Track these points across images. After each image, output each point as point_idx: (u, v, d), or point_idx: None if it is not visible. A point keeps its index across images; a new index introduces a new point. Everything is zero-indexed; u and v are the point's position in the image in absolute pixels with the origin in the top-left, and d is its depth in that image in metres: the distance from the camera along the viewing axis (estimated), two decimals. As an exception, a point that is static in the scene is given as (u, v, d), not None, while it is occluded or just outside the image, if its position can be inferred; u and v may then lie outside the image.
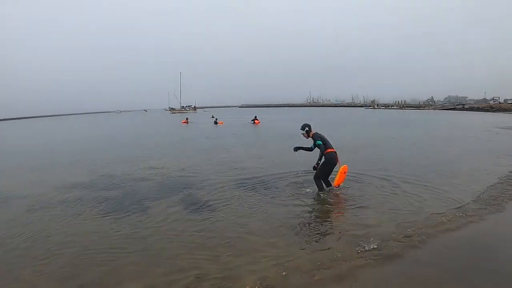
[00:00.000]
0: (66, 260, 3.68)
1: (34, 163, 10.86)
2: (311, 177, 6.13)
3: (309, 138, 5.95)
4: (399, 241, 3.79)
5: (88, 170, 8.87)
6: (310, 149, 6.08)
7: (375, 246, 3.65)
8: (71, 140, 20.08)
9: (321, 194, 5.67)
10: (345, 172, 5.89)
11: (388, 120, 30.09)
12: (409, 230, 4.07)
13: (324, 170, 5.78)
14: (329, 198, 5.56)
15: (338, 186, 5.83)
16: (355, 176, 6.86)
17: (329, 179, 5.97)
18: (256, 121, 27.76)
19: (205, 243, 3.94)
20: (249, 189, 6.25)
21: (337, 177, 5.78)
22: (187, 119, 35.23)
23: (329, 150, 5.77)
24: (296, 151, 6.12)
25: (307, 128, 5.95)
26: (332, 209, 5.11)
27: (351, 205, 5.19)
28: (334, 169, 5.84)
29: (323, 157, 5.74)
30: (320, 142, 5.72)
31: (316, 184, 5.81)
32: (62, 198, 6.19)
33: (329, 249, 3.67)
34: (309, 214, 4.88)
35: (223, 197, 5.77)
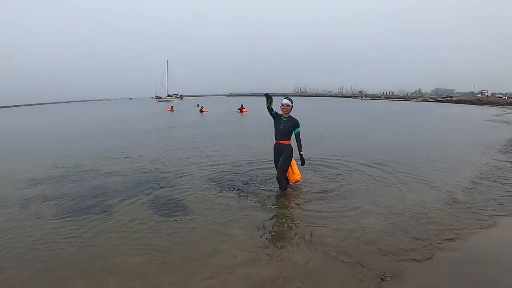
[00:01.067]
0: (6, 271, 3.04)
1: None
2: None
3: (287, 116, 4.94)
4: (404, 258, 3.12)
5: (56, 162, 7.97)
6: (269, 110, 4.98)
7: (380, 270, 2.93)
8: (44, 129, 18.89)
9: (289, 190, 5.07)
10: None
11: (378, 111, 29.67)
12: (414, 240, 3.45)
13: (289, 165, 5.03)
14: (320, 197, 4.88)
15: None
16: (349, 169, 6.26)
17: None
18: (243, 110, 26.84)
19: (172, 257, 3.24)
20: (229, 186, 5.50)
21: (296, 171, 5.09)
22: (172, 107, 34.10)
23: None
24: (269, 98, 4.99)
25: (292, 105, 4.98)
26: (324, 212, 4.30)
27: (344, 206, 4.51)
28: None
29: (291, 149, 4.94)
30: (299, 131, 4.91)
31: (282, 184, 5.01)
32: (20, 195, 5.38)
33: (325, 277, 2.91)
34: (296, 220, 4.15)
35: (198, 196, 5.02)
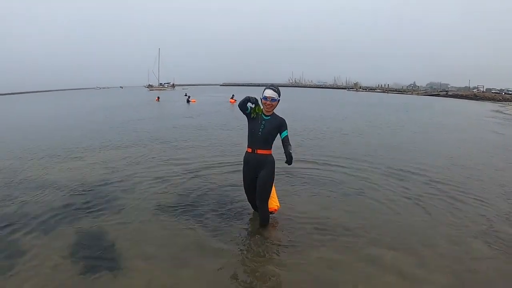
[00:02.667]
0: None
1: None
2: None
3: (270, 114, 3.36)
4: None
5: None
6: (246, 109, 3.36)
7: None
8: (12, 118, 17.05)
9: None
10: None
11: (377, 104, 28.35)
12: None
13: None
14: (315, 239, 3.42)
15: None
16: (358, 179, 4.83)
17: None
18: (231, 100, 25.17)
19: None
20: (188, 214, 3.88)
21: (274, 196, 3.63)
22: (158, 97, 32.54)
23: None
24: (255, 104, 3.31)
25: (279, 98, 3.38)
26: (319, 273, 2.86)
27: (350, 256, 3.05)
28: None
29: (273, 161, 3.42)
30: (288, 135, 3.35)
31: (265, 215, 3.49)
32: None
33: None
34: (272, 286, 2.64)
35: (140, 231, 3.46)
